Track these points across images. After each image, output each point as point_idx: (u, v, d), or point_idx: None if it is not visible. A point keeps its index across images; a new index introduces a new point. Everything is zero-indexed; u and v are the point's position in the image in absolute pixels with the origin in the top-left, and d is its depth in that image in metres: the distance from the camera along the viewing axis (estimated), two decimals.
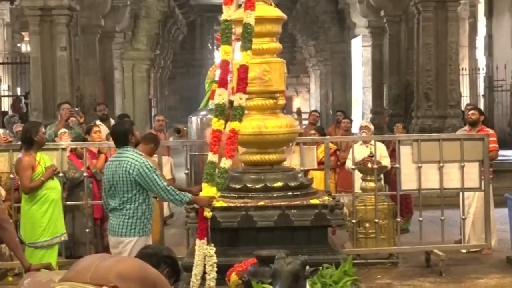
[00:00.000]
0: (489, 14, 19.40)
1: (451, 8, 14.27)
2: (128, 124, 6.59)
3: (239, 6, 6.91)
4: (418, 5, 14.34)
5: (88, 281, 3.21)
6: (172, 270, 3.77)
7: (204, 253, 6.09)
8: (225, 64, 6.51)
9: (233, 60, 6.80)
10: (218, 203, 6.83)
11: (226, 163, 6.31)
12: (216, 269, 6.08)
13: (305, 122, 15.04)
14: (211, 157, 6.32)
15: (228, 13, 6.55)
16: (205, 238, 6.18)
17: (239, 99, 6.43)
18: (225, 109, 6.45)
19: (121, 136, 6.29)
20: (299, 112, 14.50)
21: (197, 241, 6.20)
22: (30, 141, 7.26)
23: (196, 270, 6.02)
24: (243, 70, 6.48)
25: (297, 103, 38.62)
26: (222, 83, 6.50)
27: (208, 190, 6.25)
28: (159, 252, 3.80)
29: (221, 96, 6.42)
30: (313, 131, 10.62)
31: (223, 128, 6.41)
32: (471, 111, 9.88)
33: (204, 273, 6.07)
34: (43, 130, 7.50)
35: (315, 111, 14.03)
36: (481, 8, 21.70)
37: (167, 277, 3.65)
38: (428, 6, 14.19)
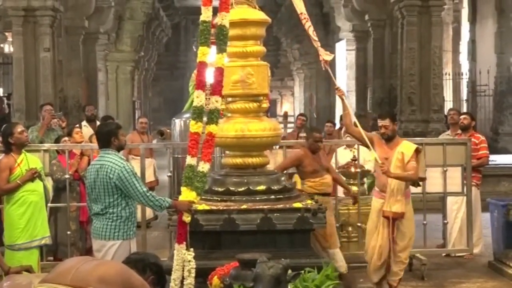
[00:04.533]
0: (473, 19, 19.49)
1: (435, 13, 14.32)
2: (113, 126, 6.46)
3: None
4: (402, 9, 14.38)
5: (68, 283, 3.17)
6: (158, 278, 3.73)
7: (183, 258, 6.05)
8: (202, 66, 6.47)
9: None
10: (200, 206, 6.80)
11: (204, 166, 6.27)
12: (194, 274, 6.03)
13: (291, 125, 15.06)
14: (190, 160, 6.27)
15: (207, 14, 6.50)
16: (184, 242, 6.14)
17: (215, 102, 6.40)
18: (203, 111, 6.40)
19: (104, 137, 6.20)
20: (286, 116, 14.55)
21: (176, 246, 6.16)
22: (7, 144, 7.24)
23: (175, 275, 5.98)
24: (219, 72, 6.46)
25: (286, 107, 38.79)
26: (200, 85, 6.45)
27: (187, 194, 6.20)
28: (146, 259, 3.77)
29: (199, 99, 6.37)
30: (304, 134, 10.65)
31: (201, 130, 6.38)
32: (463, 116, 9.89)
33: (183, 277, 6.04)
34: (19, 129, 7.34)
35: (302, 114, 14.03)
36: (464, 13, 21.83)
37: (152, 285, 3.61)
38: (412, 10, 14.24)
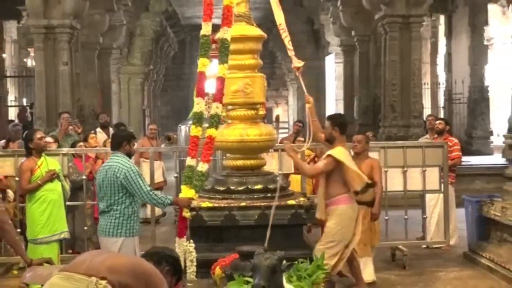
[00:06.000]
0: (449, 34, 19.51)
1: (415, 29, 14.34)
2: (129, 133, 6.46)
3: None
4: (385, 26, 14.40)
5: (83, 272, 3.25)
6: (174, 268, 3.67)
7: (184, 250, 6.05)
8: (202, 76, 6.48)
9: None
10: (204, 204, 6.83)
11: (203, 167, 6.26)
12: (195, 263, 6.04)
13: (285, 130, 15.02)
14: (189, 161, 6.27)
15: (207, 29, 6.52)
16: (185, 236, 6.14)
17: (215, 108, 6.41)
18: (203, 117, 6.40)
19: (117, 140, 6.17)
20: (277, 119, 14.44)
21: (177, 239, 6.16)
22: (28, 149, 7.26)
23: None
24: (220, 81, 6.47)
25: (278, 111, 38.80)
26: (200, 93, 6.46)
27: (187, 192, 6.20)
28: (161, 252, 3.73)
29: (198, 105, 6.38)
30: (302, 138, 10.67)
31: (200, 134, 6.38)
32: (438, 121, 9.87)
33: (185, 267, 6.03)
34: (39, 135, 7.32)
35: (299, 121, 14.01)
36: (441, 29, 21.86)
37: (169, 275, 3.59)
38: (394, 27, 14.26)
